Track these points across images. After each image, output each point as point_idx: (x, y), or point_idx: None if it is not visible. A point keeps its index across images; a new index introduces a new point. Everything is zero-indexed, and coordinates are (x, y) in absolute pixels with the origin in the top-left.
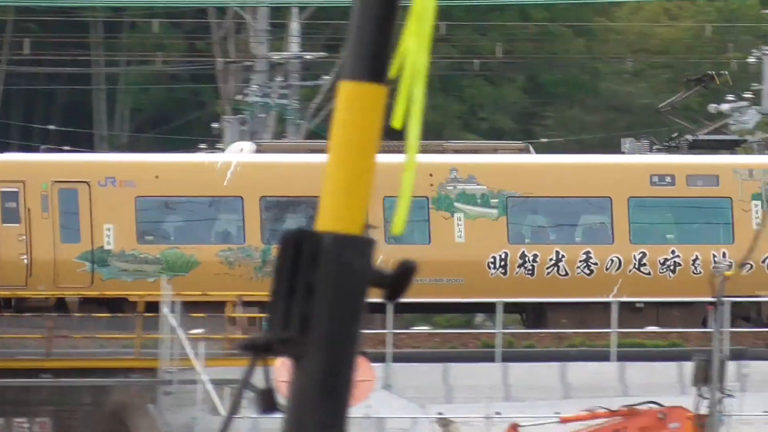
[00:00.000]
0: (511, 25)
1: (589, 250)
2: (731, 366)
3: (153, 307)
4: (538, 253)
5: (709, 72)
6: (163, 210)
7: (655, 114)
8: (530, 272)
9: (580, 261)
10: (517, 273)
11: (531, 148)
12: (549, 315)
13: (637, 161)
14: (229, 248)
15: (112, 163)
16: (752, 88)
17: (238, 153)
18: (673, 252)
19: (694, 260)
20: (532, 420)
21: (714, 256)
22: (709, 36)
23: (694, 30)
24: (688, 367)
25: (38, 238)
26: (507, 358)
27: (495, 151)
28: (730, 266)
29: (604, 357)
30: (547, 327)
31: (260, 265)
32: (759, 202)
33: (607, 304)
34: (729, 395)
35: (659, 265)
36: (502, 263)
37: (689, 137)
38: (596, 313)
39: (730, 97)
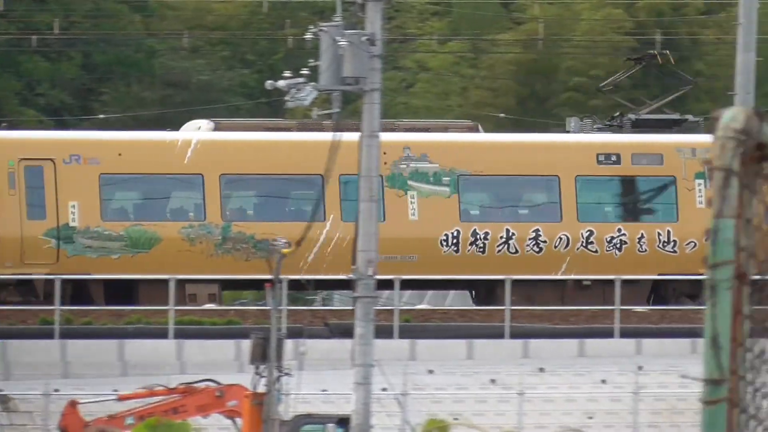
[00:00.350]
0: (69, 1)
1: (539, 228)
2: (288, 344)
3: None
4: (489, 231)
5: (651, 51)
6: (126, 187)
7: (213, 91)
8: (481, 250)
9: (530, 239)
10: (468, 250)
11: (480, 127)
12: (498, 292)
13: (583, 140)
14: (190, 225)
15: (77, 141)
16: (309, 65)
17: (198, 131)
18: (619, 230)
19: (640, 238)
20: (90, 398)
21: (659, 234)
22: (266, 12)
23: (251, 6)
24: (246, 345)
25: (5, 215)
26: (65, 334)
27: (446, 129)
28: (288, 244)
29: (162, 334)
30: (496, 304)
31: (220, 241)
32: (702, 181)
33: (556, 281)
34: (286, 373)
35: (606, 243)
36: (455, 241)
37: (632, 116)
38: (545, 289)
39: (287, 74)
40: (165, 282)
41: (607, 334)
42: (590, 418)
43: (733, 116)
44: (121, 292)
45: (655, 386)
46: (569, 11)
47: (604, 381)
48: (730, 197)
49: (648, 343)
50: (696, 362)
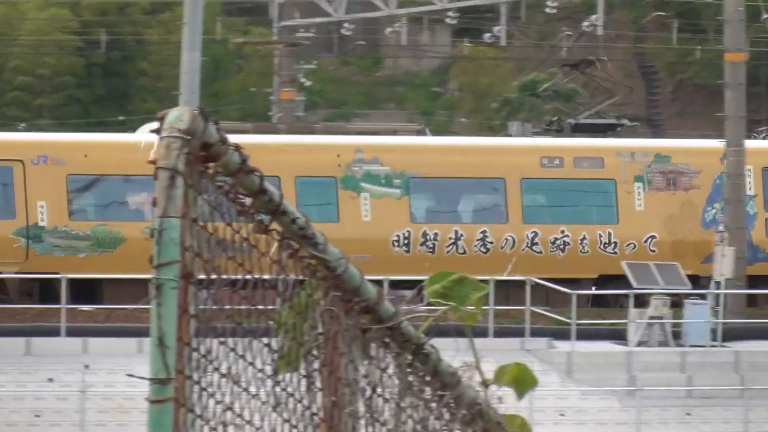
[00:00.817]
0: None
1: (486, 229)
2: None
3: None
4: (438, 232)
5: (589, 57)
6: (92, 188)
7: None
8: (431, 250)
9: (477, 240)
10: (419, 251)
11: (427, 130)
12: None
13: (528, 144)
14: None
15: (45, 143)
16: None
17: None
18: (562, 231)
19: (582, 239)
20: None
21: (600, 235)
22: None
23: None
24: None
25: None
26: None
27: (394, 132)
28: None
29: None
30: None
31: None
32: (641, 184)
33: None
34: None
35: (550, 244)
36: (406, 241)
37: (571, 121)
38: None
39: None
40: (129, 281)
41: (54, 332)
42: (38, 416)
43: (178, 116)
44: (87, 290)
45: (102, 385)
46: (15, 11)
47: (51, 380)
48: (175, 197)
49: (94, 341)
50: (143, 361)
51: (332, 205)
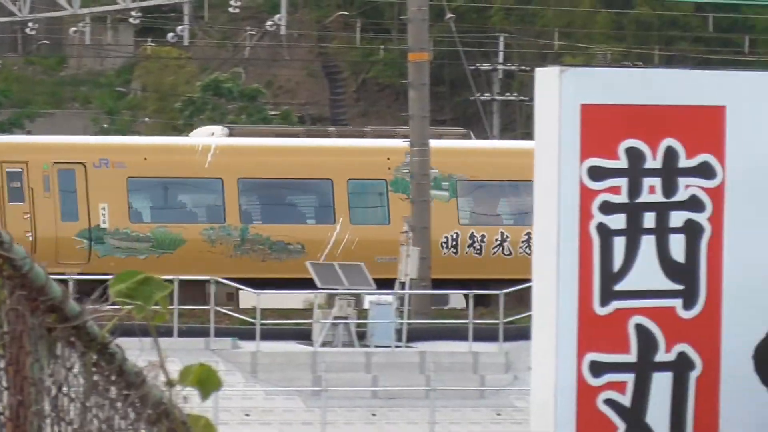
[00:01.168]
0: None
1: (530, 231)
2: None
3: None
4: (485, 234)
5: (625, 63)
6: (151, 190)
7: None
8: (478, 252)
9: (522, 241)
10: (466, 252)
11: (471, 134)
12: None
13: None
14: (211, 227)
15: (106, 146)
16: None
17: (217, 137)
18: None
19: None
20: None
21: None
22: None
23: None
24: None
25: (41, 216)
26: None
27: (440, 136)
28: None
29: None
30: (489, 306)
31: (239, 243)
32: None
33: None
34: None
35: None
36: (454, 243)
37: None
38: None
39: None
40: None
41: None
42: None
43: None
44: None
45: None
46: None
47: None
48: None
49: None
50: None
51: (383, 208)
